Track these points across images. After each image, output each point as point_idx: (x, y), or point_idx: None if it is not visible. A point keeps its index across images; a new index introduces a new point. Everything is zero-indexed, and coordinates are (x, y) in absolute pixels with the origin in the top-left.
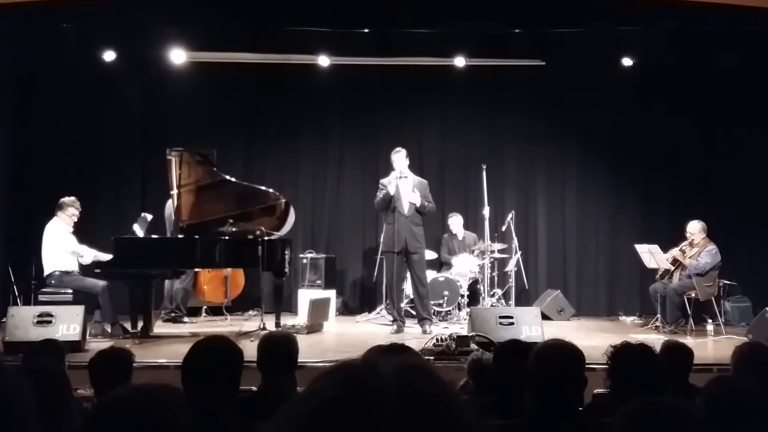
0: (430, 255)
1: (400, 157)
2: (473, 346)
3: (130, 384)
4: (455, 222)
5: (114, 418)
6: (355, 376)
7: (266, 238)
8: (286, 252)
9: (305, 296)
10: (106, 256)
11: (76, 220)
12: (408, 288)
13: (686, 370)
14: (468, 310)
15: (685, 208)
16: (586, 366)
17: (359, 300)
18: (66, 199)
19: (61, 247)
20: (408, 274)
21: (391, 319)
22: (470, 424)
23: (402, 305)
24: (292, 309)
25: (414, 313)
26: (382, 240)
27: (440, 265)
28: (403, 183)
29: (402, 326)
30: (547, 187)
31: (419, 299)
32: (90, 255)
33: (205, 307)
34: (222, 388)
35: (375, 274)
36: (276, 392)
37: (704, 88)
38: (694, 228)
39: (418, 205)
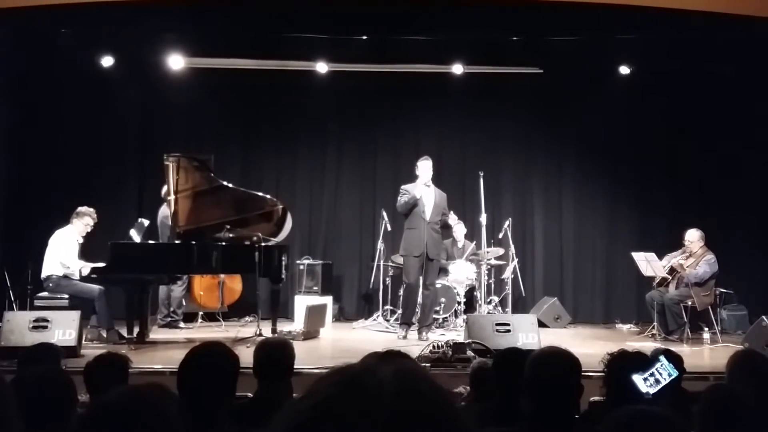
0: None
1: (427, 165)
2: (470, 353)
3: (122, 386)
4: (458, 230)
5: (106, 421)
6: (353, 378)
7: (263, 244)
8: (283, 258)
9: (302, 302)
10: (93, 266)
11: (89, 230)
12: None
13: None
14: (465, 317)
15: (681, 216)
16: (583, 373)
17: (356, 306)
18: (84, 209)
19: (59, 253)
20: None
21: (400, 322)
22: (467, 428)
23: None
24: (288, 315)
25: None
26: (402, 244)
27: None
28: (427, 191)
29: (408, 330)
30: (544, 194)
31: (424, 306)
32: (76, 268)
33: (201, 312)
34: (218, 395)
35: (372, 280)
36: (272, 399)
37: (701, 95)
38: (693, 236)
39: (447, 220)
